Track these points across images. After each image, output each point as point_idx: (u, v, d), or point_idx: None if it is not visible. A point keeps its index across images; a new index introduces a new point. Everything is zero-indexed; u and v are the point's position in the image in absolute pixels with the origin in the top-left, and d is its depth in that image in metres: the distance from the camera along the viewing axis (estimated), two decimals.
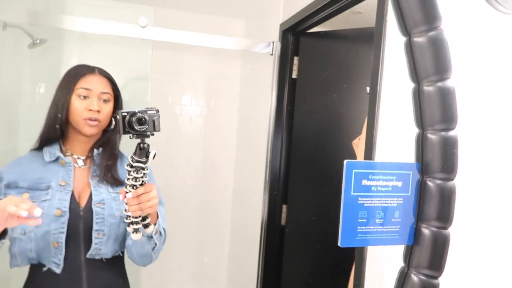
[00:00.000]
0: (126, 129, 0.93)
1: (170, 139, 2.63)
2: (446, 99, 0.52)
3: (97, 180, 1.13)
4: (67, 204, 1.07)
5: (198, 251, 2.72)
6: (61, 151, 1.14)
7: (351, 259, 1.57)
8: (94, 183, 1.13)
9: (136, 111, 0.94)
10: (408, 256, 0.58)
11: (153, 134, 0.95)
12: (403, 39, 0.99)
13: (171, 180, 2.63)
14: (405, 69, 1.02)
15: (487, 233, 0.78)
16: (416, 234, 0.57)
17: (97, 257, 1.11)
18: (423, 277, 0.55)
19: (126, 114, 0.94)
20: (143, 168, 0.95)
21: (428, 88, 0.55)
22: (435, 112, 0.54)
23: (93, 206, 1.09)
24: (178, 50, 2.56)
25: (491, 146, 0.83)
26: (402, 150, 0.81)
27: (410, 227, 0.57)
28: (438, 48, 0.52)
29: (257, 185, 2.15)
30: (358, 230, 0.53)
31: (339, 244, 0.52)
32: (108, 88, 1.14)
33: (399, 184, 0.55)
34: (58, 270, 1.08)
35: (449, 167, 0.54)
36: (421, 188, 0.57)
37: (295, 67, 1.92)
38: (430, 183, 0.56)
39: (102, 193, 1.12)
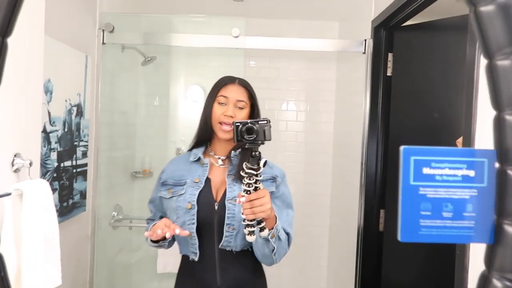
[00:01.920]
0: (239, 138, 0.99)
1: (268, 145, 2.69)
2: None
3: (232, 179, 1.22)
4: (195, 198, 1.19)
5: (297, 257, 2.71)
6: (204, 152, 1.29)
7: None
8: (229, 181, 1.22)
9: (248, 122, 0.99)
10: (489, 257, 0.51)
11: (263, 143, 1.00)
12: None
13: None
14: None
15: None
16: (497, 232, 0.50)
17: (227, 249, 1.20)
18: (508, 283, 0.48)
19: (239, 124, 0.99)
20: (255, 175, 1.00)
21: (502, 63, 0.48)
22: None
23: (226, 202, 1.19)
24: (272, 57, 2.63)
25: None
26: None
27: (488, 224, 0.50)
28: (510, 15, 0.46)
29: (353, 190, 2.07)
30: (421, 224, 0.48)
31: (399, 239, 0.48)
32: (244, 97, 1.25)
33: (471, 173, 0.49)
34: (196, 258, 1.20)
35: None
36: (501, 178, 0.50)
37: (389, 64, 1.81)
38: (511, 172, 0.48)
39: (235, 190, 1.20)
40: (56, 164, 1.49)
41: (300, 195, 2.69)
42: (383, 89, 1.82)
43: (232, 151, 1.26)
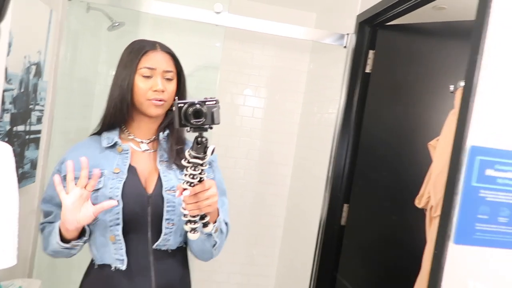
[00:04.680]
0: (182, 122, 0.84)
1: (231, 130, 2.63)
2: None
3: (166, 166, 1.07)
4: (118, 192, 1.00)
5: (250, 245, 2.70)
6: (120, 136, 1.08)
7: (416, 267, 1.45)
8: (162, 169, 1.06)
9: (195, 102, 0.84)
10: None
11: (211, 128, 0.86)
12: (508, 28, 0.87)
13: (228, 172, 2.63)
14: (507, 65, 0.91)
15: None
16: None
17: (163, 248, 1.05)
18: None
19: (182, 104, 0.84)
20: (201, 164, 0.86)
21: None
22: None
23: (164, 193, 1.03)
24: (248, 42, 2.55)
25: None
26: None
27: None
28: None
29: (317, 182, 2.08)
30: (477, 227, 0.45)
31: (453, 241, 0.45)
32: (171, 66, 1.07)
33: None
34: (123, 266, 1.01)
35: None
36: None
37: (369, 61, 1.82)
38: None
39: (172, 179, 1.05)
40: (8, 127, 1.31)
41: (255, 183, 2.67)
42: (360, 85, 1.83)
43: (161, 133, 1.10)
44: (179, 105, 0.84)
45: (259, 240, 2.71)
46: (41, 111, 1.57)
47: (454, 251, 1.02)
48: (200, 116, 0.83)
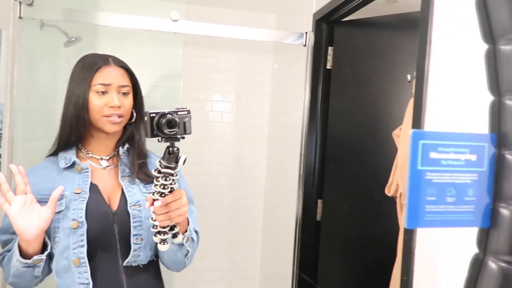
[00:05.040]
0: (155, 132, 0.84)
1: (201, 137, 2.61)
2: None
3: (128, 181, 1.05)
4: (82, 213, 0.97)
5: (231, 249, 2.69)
6: (78, 155, 1.05)
7: (392, 255, 1.49)
8: (125, 184, 1.04)
9: (166, 112, 0.84)
10: (484, 240, 0.51)
11: (183, 138, 0.86)
12: (451, 17, 0.92)
13: (202, 179, 2.62)
14: (453, 52, 0.95)
15: None
16: (493, 215, 0.50)
17: (134, 264, 1.02)
18: (503, 264, 0.48)
19: (154, 115, 0.84)
20: (172, 174, 0.86)
21: (505, 48, 0.48)
22: None
23: (129, 209, 1.00)
24: (210, 47, 2.55)
25: None
26: None
27: (485, 208, 0.50)
28: None
29: (291, 181, 2.10)
30: (427, 209, 0.47)
31: (405, 226, 0.46)
32: (126, 80, 1.04)
33: (473, 157, 0.49)
34: None
35: None
36: (498, 162, 0.50)
37: (329, 58, 1.86)
38: (509, 156, 0.49)
39: (136, 194, 1.03)
40: None
41: (230, 188, 2.66)
42: (323, 82, 1.86)
43: (120, 148, 1.07)
44: (151, 115, 0.84)
45: (240, 244, 2.70)
46: (0, 134, 1.52)
47: (422, 235, 1.05)
48: (174, 126, 0.84)
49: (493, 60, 0.49)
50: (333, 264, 1.91)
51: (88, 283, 0.97)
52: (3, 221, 1.04)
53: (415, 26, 1.65)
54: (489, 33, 0.49)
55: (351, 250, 1.83)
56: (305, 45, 1.92)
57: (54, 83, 2.21)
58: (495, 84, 0.50)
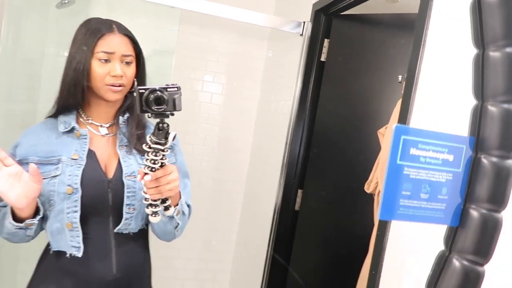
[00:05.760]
0: (144, 108, 0.84)
1: (189, 116, 2.60)
2: None
3: (125, 150, 1.05)
4: (77, 180, 0.98)
5: (207, 231, 2.70)
6: (78, 120, 1.05)
7: (364, 247, 1.52)
8: (122, 154, 1.04)
9: (156, 88, 0.84)
10: (451, 239, 0.53)
11: (173, 114, 0.86)
12: (448, 22, 0.93)
13: (186, 158, 2.60)
14: (446, 57, 0.96)
15: None
16: (462, 215, 0.52)
17: (125, 232, 1.04)
18: (466, 263, 0.50)
19: (144, 91, 0.84)
20: (162, 150, 0.87)
21: (494, 54, 0.49)
22: (499, 81, 0.48)
23: (124, 179, 1.01)
24: (205, 26, 2.51)
25: None
26: None
27: (456, 207, 0.52)
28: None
29: (273, 169, 2.11)
30: (401, 203, 0.48)
31: (378, 217, 0.47)
32: (129, 49, 1.03)
33: (450, 158, 0.50)
34: (79, 253, 1.00)
35: (509, 144, 0.48)
36: (474, 165, 0.51)
37: (324, 50, 1.85)
38: (485, 160, 0.50)
39: (132, 164, 1.04)
40: None
41: (213, 170, 2.67)
42: (315, 74, 1.86)
43: (120, 117, 1.08)
44: (140, 91, 0.84)
45: (217, 226, 2.72)
46: None
47: (395, 232, 1.08)
48: (162, 103, 0.84)
49: (480, 65, 0.50)
50: (307, 251, 1.95)
51: (79, 247, 1.00)
52: None
53: (411, 27, 1.67)
54: (480, 38, 0.50)
55: (326, 240, 1.87)
56: (301, 35, 1.91)
57: (41, 45, 2.15)
58: (480, 89, 0.51)
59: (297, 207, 1.95)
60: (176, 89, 0.86)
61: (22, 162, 0.99)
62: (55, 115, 1.06)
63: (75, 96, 1.01)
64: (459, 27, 0.93)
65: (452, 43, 0.96)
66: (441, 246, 0.53)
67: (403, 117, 1.04)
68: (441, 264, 0.51)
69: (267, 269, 2.02)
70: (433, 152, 0.48)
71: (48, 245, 1.06)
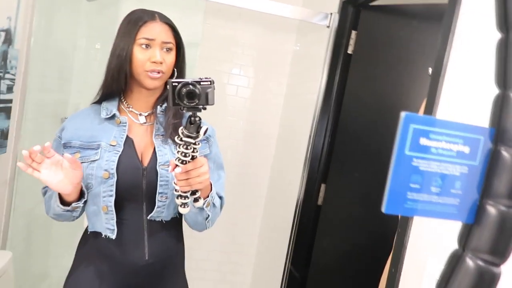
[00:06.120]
0: (176, 101, 0.84)
1: (215, 109, 2.59)
2: None
3: (161, 140, 1.07)
4: (114, 165, 1.01)
5: (231, 224, 2.71)
6: (119, 107, 1.09)
7: (389, 246, 1.47)
8: (158, 143, 1.06)
9: (189, 82, 0.84)
10: (466, 237, 0.49)
11: (205, 108, 0.86)
12: (478, 12, 0.87)
13: None
14: (476, 49, 0.91)
15: None
16: (478, 212, 0.48)
17: (157, 219, 1.07)
18: (481, 263, 0.47)
19: (177, 84, 0.83)
20: (193, 143, 0.88)
21: None
22: None
23: (158, 168, 1.04)
24: (231, 19, 2.50)
25: None
26: None
27: (472, 203, 0.48)
28: None
29: (297, 163, 2.09)
30: (409, 196, 0.45)
31: (382, 210, 0.44)
32: (170, 37, 1.06)
33: (466, 149, 0.46)
34: (113, 235, 1.03)
35: None
36: (493, 158, 0.47)
37: (351, 42, 1.80)
38: (505, 153, 0.46)
39: (167, 154, 1.06)
40: None
41: (237, 164, 2.67)
42: (342, 66, 1.82)
43: (158, 106, 1.10)
44: (173, 84, 0.84)
45: (240, 219, 2.72)
46: (12, 80, 1.54)
47: (417, 230, 1.03)
48: (194, 98, 0.84)
49: (504, 50, 0.46)
50: (328, 250, 1.91)
51: (113, 230, 1.04)
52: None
53: (441, 18, 1.59)
54: (504, 21, 0.46)
55: (349, 236, 1.82)
56: (328, 27, 1.87)
57: (72, 38, 2.21)
58: (503, 76, 0.47)
59: (320, 201, 1.92)
60: (209, 83, 0.86)
61: (66, 146, 1.05)
62: (99, 101, 1.11)
63: (118, 82, 1.05)
64: (490, 17, 0.87)
65: (482, 34, 0.90)
66: None
67: (429, 110, 0.99)
68: (454, 263, 0.47)
69: (289, 264, 2.00)
70: (446, 143, 0.44)
71: (87, 226, 1.12)
